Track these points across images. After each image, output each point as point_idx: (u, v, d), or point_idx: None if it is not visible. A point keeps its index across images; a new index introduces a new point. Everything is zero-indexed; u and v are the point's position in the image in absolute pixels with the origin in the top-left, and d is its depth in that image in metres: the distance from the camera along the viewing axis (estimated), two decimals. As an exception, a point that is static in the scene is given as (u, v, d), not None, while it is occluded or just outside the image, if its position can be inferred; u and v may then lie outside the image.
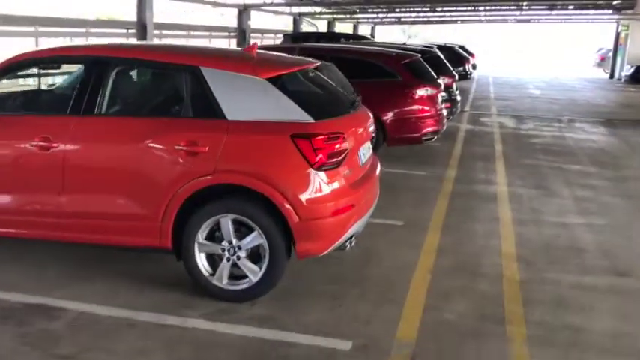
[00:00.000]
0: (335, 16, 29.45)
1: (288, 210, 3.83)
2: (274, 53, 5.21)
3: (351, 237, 4.18)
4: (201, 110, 4.05)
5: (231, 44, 21.56)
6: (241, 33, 21.47)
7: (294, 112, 3.93)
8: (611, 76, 34.02)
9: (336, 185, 3.97)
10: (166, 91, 4.56)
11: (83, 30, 14.00)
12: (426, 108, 9.00)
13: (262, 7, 21.92)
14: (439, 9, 28.05)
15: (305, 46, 10.81)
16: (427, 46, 16.02)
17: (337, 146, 3.97)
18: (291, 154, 3.85)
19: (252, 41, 22.68)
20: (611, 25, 36.41)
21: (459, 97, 12.05)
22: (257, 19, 28.79)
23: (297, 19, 26.39)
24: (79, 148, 4.16)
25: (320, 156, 3.86)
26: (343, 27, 35.38)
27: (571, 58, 54.77)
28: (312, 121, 3.92)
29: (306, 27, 28.89)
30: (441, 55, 16.55)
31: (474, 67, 26.39)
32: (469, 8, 27.77)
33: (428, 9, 28.10)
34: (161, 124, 4.09)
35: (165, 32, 17.22)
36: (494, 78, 29.75)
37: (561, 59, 54.45)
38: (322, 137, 3.89)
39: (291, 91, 4.14)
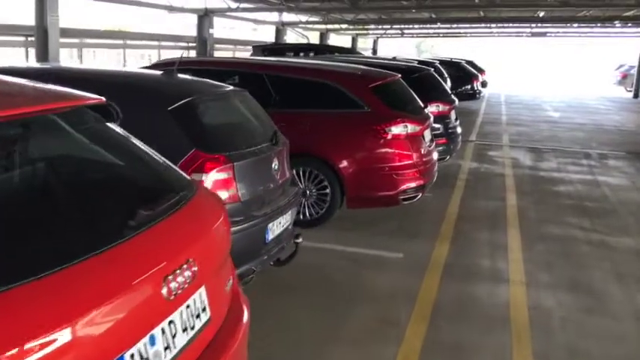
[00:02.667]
0: (328, 26, 26.37)
1: None
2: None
3: None
4: None
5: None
6: (202, 43, 18.01)
7: None
8: (636, 95, 30.97)
9: None
10: None
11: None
12: (406, 153, 6.12)
13: (227, 13, 18.54)
14: (444, 18, 25.08)
15: (213, 60, 7.88)
16: (425, 61, 13.26)
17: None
18: None
19: (215, 53, 19.46)
20: (635, 41, 33.46)
21: (459, 130, 9.13)
22: (238, 30, 26.04)
23: (280, 30, 23.11)
24: None
25: None
26: (343, 41, 32.51)
27: (588, 73, 51.59)
28: None
29: (298, 39, 26.03)
30: (444, 73, 13.83)
31: (484, 84, 23.47)
32: (474, 17, 24.81)
33: (431, 21, 25.18)
34: None
35: (88, 41, 13.63)
36: (507, 97, 26.78)
37: (578, 75, 51.28)
38: None
39: None
